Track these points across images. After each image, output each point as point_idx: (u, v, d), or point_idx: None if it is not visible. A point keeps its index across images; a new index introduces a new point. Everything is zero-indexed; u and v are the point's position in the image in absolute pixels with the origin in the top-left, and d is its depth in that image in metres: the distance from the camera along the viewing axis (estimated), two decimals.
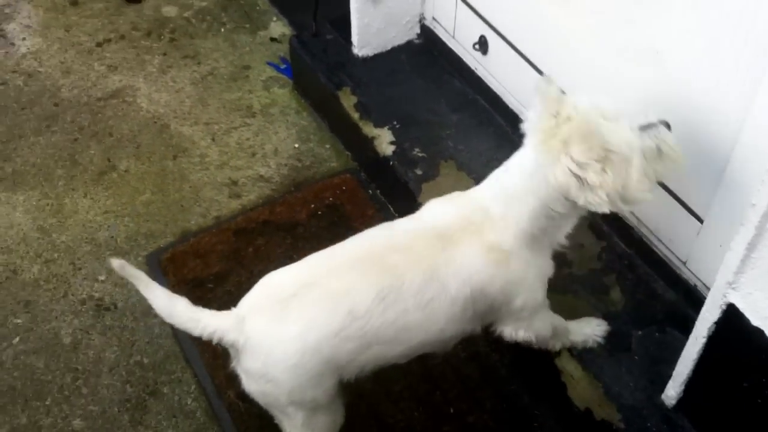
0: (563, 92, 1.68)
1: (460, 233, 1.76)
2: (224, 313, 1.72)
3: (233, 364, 1.77)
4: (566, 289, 2.21)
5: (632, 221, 2.26)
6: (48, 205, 2.78)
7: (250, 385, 1.76)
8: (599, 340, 2.09)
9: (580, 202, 1.64)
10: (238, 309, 1.73)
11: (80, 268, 2.57)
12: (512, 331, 1.92)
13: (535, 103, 1.69)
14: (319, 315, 1.68)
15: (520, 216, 1.74)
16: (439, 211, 1.84)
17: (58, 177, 2.87)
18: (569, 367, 2.06)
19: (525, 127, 1.77)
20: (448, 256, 1.74)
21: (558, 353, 2.08)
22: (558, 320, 2.02)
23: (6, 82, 3.25)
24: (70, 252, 2.63)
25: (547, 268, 1.87)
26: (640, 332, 2.11)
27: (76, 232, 2.68)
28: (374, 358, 1.77)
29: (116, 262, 1.70)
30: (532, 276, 1.83)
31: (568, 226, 1.81)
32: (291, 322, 1.67)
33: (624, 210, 1.70)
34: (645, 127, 1.68)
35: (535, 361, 2.17)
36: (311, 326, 1.67)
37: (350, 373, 1.78)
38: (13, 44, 3.43)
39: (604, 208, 1.64)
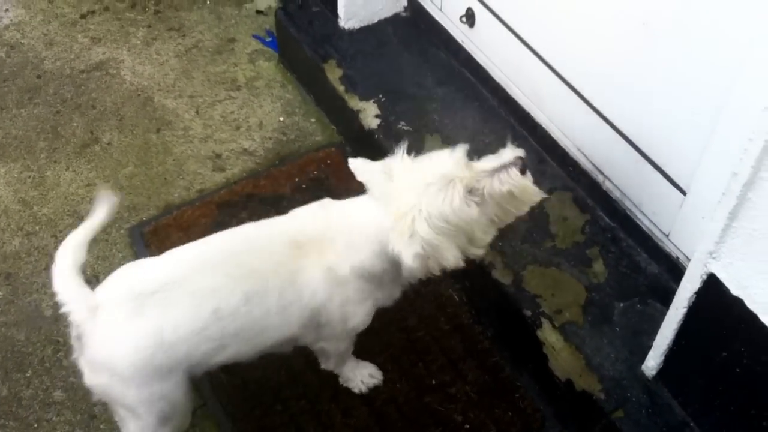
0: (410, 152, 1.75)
1: (311, 246, 1.79)
2: (82, 295, 1.66)
3: (75, 355, 1.73)
4: (549, 262, 2.21)
5: (616, 194, 2.26)
6: (29, 177, 2.75)
7: (93, 378, 1.71)
8: (363, 388, 2.16)
9: (430, 267, 1.71)
10: (93, 296, 1.67)
11: (62, 241, 2.54)
12: (324, 345, 1.98)
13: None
14: (182, 313, 1.68)
15: (361, 254, 1.77)
16: (301, 218, 1.87)
17: (40, 149, 2.84)
18: (551, 338, 2.06)
19: (370, 178, 1.81)
20: (302, 266, 1.78)
21: (540, 324, 2.08)
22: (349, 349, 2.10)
23: None
24: (51, 224, 2.61)
25: (388, 300, 1.94)
26: (622, 304, 2.12)
27: (58, 204, 2.66)
28: (228, 357, 1.78)
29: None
30: (369, 305, 1.89)
31: (419, 273, 1.80)
32: (149, 318, 1.65)
33: (472, 255, 1.76)
34: (498, 170, 1.70)
35: (518, 333, 2.17)
36: (171, 324, 1.66)
37: (201, 369, 1.78)
38: None
39: (454, 265, 1.70)
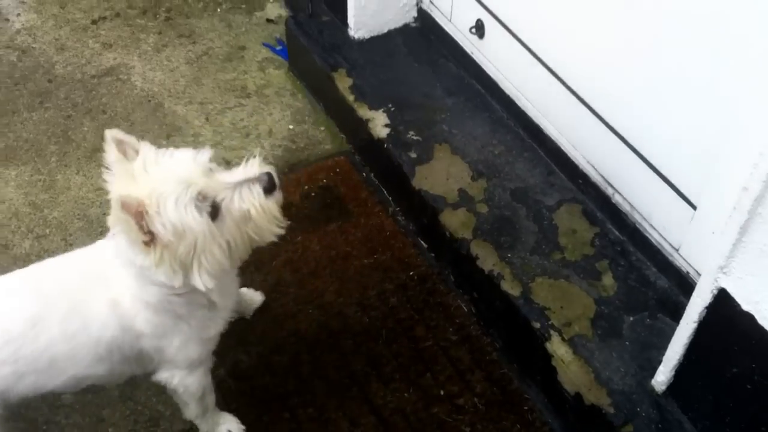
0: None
1: (101, 278, 1.68)
2: None
3: None
4: (558, 275, 2.21)
5: (625, 208, 2.26)
6: (40, 180, 2.76)
7: None
8: None
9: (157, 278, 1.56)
10: None
11: (72, 244, 2.55)
12: (168, 377, 1.85)
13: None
14: None
15: (130, 282, 1.65)
16: (100, 247, 1.75)
17: (51, 153, 2.85)
18: (560, 351, 2.06)
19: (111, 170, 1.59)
20: (90, 296, 1.68)
21: (549, 337, 2.08)
22: (210, 395, 1.98)
23: (0, 57, 3.22)
24: (61, 228, 2.61)
25: (197, 333, 1.77)
26: (631, 318, 2.12)
27: (68, 208, 2.67)
28: (33, 387, 1.71)
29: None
30: (171, 338, 1.74)
31: (200, 297, 1.69)
32: None
33: (200, 284, 1.58)
34: (240, 184, 1.58)
35: (526, 346, 2.17)
36: None
37: (12, 399, 1.72)
38: (7, 20, 3.40)
39: (175, 282, 1.56)
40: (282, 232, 1.67)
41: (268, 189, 1.60)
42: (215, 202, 1.54)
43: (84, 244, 2.48)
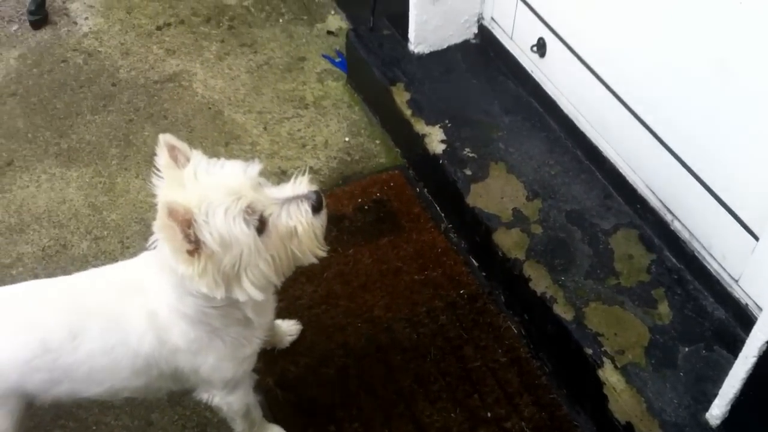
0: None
1: (140, 289, 1.68)
2: None
3: None
4: (613, 300, 2.17)
5: (684, 235, 2.22)
6: (100, 183, 2.82)
7: None
8: None
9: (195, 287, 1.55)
10: None
11: (128, 247, 2.60)
12: (208, 397, 1.87)
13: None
14: (12, 341, 1.67)
15: (168, 292, 1.64)
16: (141, 260, 1.76)
17: (112, 156, 2.91)
18: (612, 379, 2.02)
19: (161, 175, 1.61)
20: (129, 308, 1.69)
21: (601, 364, 2.04)
22: (256, 410, 1.99)
23: (67, 59, 3.30)
24: (119, 230, 2.66)
25: (232, 351, 1.76)
26: (686, 349, 2.07)
27: (127, 211, 2.72)
28: (68, 394, 1.74)
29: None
30: (206, 354, 1.73)
31: (236, 312, 1.69)
32: None
33: (242, 297, 1.58)
34: (289, 200, 1.57)
35: (577, 371, 2.14)
36: (1, 349, 1.66)
37: (44, 401, 1.75)
38: (75, 23, 3.49)
39: (217, 294, 1.54)
40: (323, 254, 1.65)
41: (316, 208, 1.59)
42: (263, 217, 1.54)
43: (140, 247, 2.54)
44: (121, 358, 1.70)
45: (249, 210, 1.51)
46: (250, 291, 1.57)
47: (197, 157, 1.57)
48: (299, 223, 1.57)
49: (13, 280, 2.49)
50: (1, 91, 3.16)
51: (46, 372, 1.68)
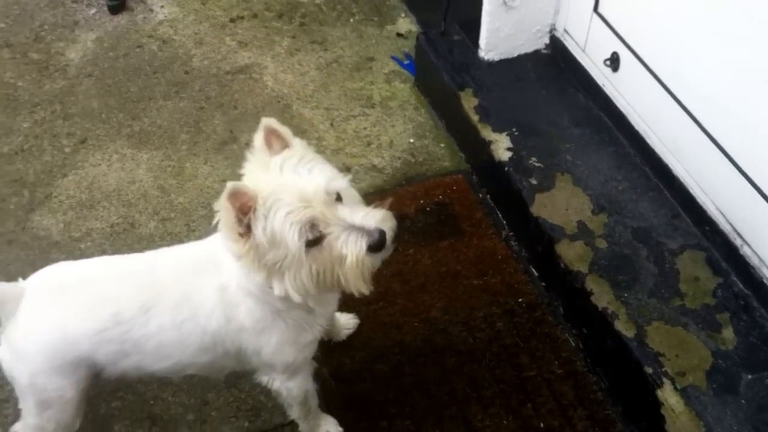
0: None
1: (212, 265, 1.71)
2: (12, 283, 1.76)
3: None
4: (676, 321, 2.15)
5: (754, 261, 2.18)
6: (170, 166, 2.88)
7: (4, 353, 1.76)
8: None
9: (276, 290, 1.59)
10: (25, 281, 1.77)
11: (194, 230, 2.65)
12: (268, 380, 1.89)
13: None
14: (86, 311, 1.72)
15: (237, 269, 1.66)
16: (216, 240, 1.74)
17: (182, 141, 2.97)
18: (671, 400, 1.99)
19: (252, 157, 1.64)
20: (200, 284, 1.72)
21: (661, 384, 2.02)
22: (313, 398, 2.00)
23: (142, 45, 3.38)
24: (186, 213, 2.71)
25: (294, 335, 1.78)
26: (750, 376, 2.03)
27: (193, 195, 2.77)
28: (135, 367, 1.78)
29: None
30: (269, 334, 1.76)
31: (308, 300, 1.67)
32: (59, 310, 1.71)
33: (278, 291, 1.59)
34: (354, 228, 1.54)
35: (634, 389, 2.11)
36: (75, 319, 1.71)
37: (110, 374, 1.79)
38: (151, 10, 3.56)
39: (257, 277, 1.57)
40: (366, 292, 1.61)
41: (374, 248, 1.55)
42: (322, 233, 1.53)
43: (206, 231, 2.59)
44: (189, 334, 1.74)
45: (310, 223, 1.52)
46: (289, 291, 1.58)
47: (297, 147, 1.59)
48: (351, 254, 1.54)
49: (81, 253, 2.56)
50: (78, 72, 3.24)
51: (117, 344, 1.73)
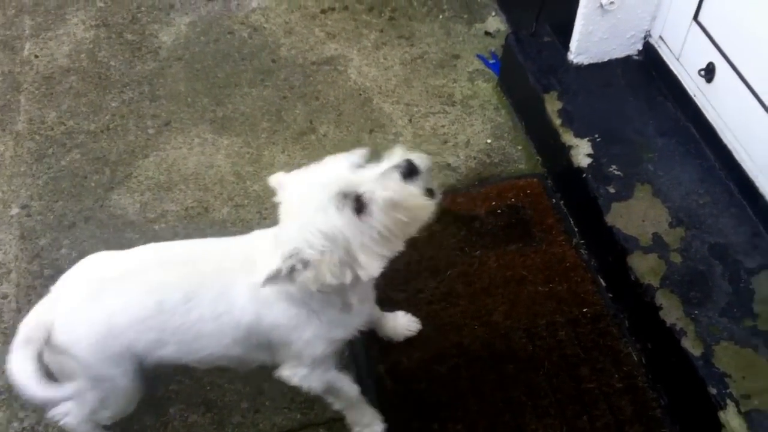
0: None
1: (250, 263, 1.71)
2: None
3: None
4: (747, 343, 2.05)
5: None
6: (248, 153, 2.94)
7: (49, 356, 1.77)
8: None
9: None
10: (54, 290, 1.79)
11: (266, 218, 2.70)
12: (289, 375, 1.90)
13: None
14: (131, 300, 1.75)
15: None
16: (256, 236, 1.85)
17: (262, 129, 3.03)
18: (733, 423, 1.91)
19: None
20: (235, 279, 1.76)
21: (724, 406, 1.93)
22: (350, 389, 2.01)
23: (233, 32, 3.46)
24: (259, 201, 2.77)
25: (327, 331, 1.80)
26: None
27: (268, 183, 2.81)
28: (171, 356, 1.81)
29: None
30: (302, 330, 1.78)
31: (336, 299, 1.74)
32: (103, 303, 1.74)
33: (366, 277, 1.62)
34: (383, 174, 1.55)
35: (695, 409, 2.04)
36: (120, 309, 1.74)
37: (149, 363, 1.82)
38: None
39: (345, 280, 1.62)
40: (432, 208, 1.62)
41: (407, 174, 1.57)
42: (360, 197, 1.55)
43: (276, 220, 2.64)
44: (225, 326, 1.79)
45: (342, 194, 1.54)
46: (370, 268, 1.60)
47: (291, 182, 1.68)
48: (394, 191, 1.56)
49: (155, 234, 2.64)
50: (169, 55, 3.35)
51: (157, 332, 1.78)
